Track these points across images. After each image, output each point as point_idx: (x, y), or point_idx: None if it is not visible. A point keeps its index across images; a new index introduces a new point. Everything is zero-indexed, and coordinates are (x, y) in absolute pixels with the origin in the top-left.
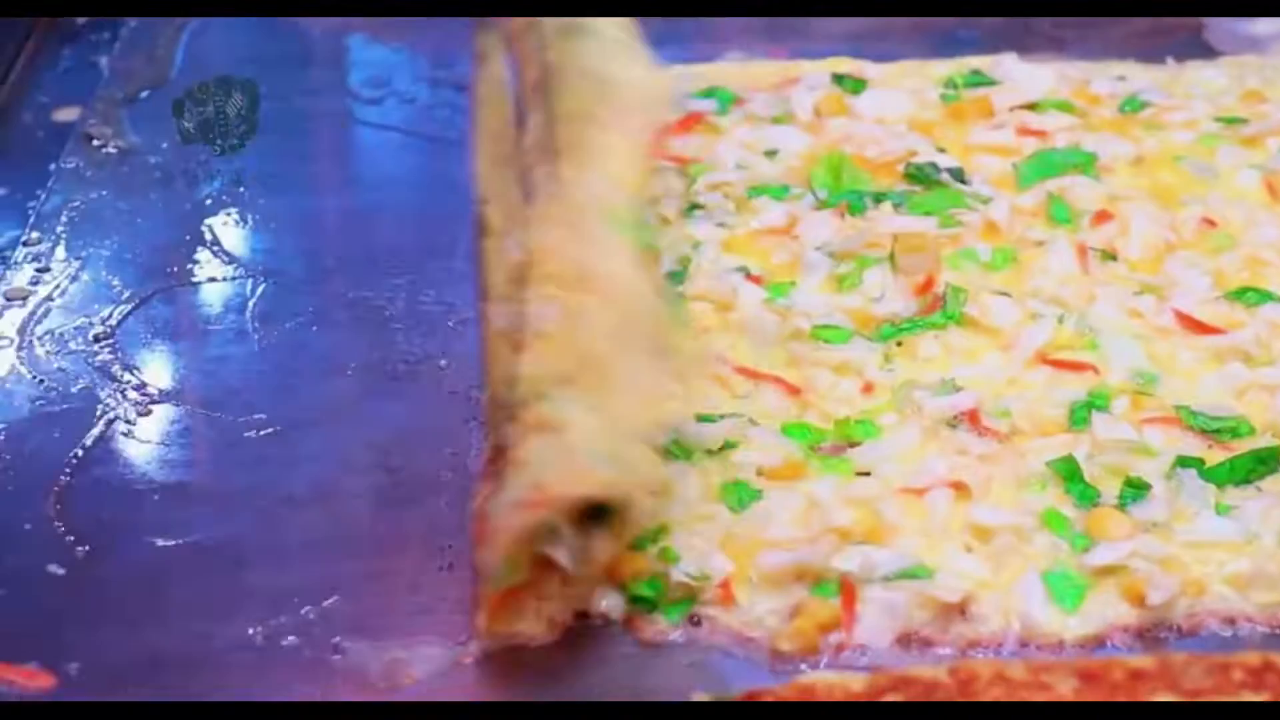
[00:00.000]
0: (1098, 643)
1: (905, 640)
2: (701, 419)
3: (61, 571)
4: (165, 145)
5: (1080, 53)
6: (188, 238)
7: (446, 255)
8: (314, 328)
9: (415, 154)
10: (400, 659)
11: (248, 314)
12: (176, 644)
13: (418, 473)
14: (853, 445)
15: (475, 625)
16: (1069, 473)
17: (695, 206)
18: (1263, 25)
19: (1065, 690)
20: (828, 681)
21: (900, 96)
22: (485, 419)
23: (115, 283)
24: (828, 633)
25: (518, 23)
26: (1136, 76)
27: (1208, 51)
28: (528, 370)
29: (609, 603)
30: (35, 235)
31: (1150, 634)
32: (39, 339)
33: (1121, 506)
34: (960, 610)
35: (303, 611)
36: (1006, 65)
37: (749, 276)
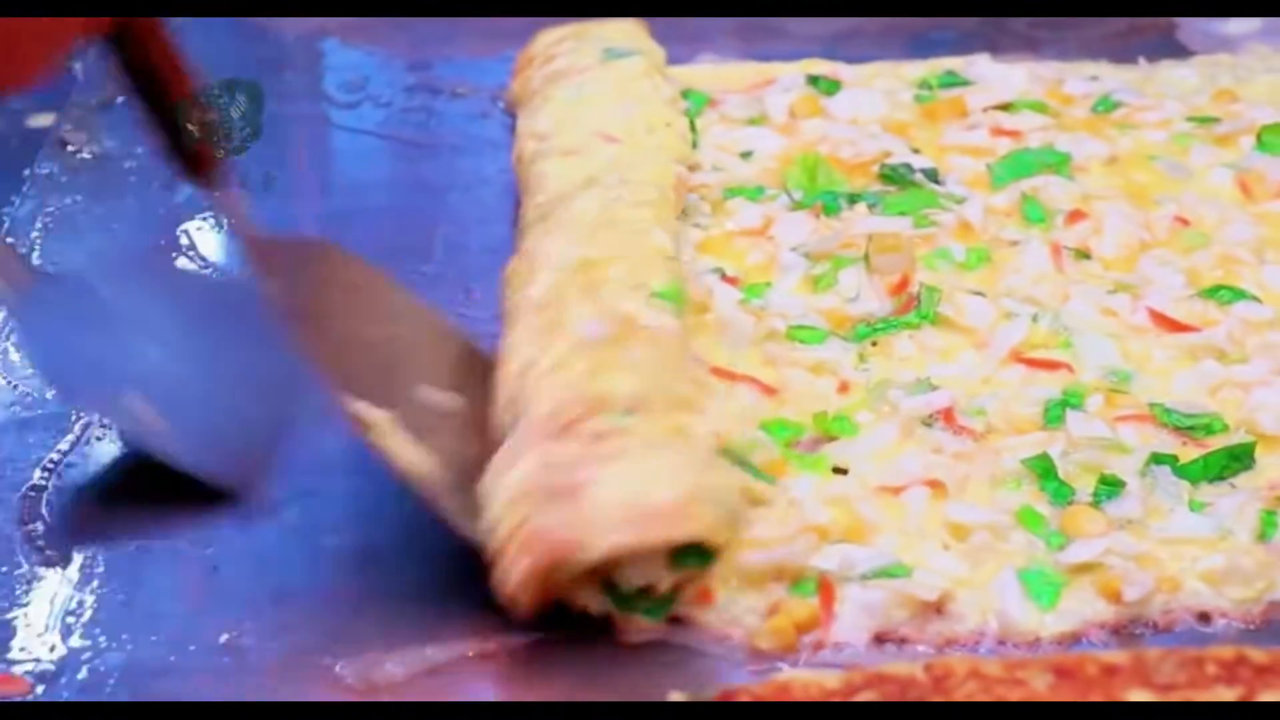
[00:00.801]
0: (1074, 640)
1: (883, 639)
2: None
3: (36, 576)
4: (141, 150)
5: (1054, 53)
6: (163, 243)
7: (422, 258)
8: None
9: (390, 158)
10: (379, 661)
11: None
12: (151, 648)
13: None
14: (830, 440)
15: (518, 608)
16: (1044, 471)
17: None
18: (1235, 25)
19: (1040, 686)
20: (804, 680)
21: (874, 97)
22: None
23: None
24: (805, 631)
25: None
26: (1109, 76)
27: (1180, 51)
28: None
29: (587, 600)
30: (10, 241)
31: (1126, 630)
32: (14, 345)
33: (1096, 504)
34: (938, 608)
35: (280, 615)
36: (980, 66)
37: (725, 278)
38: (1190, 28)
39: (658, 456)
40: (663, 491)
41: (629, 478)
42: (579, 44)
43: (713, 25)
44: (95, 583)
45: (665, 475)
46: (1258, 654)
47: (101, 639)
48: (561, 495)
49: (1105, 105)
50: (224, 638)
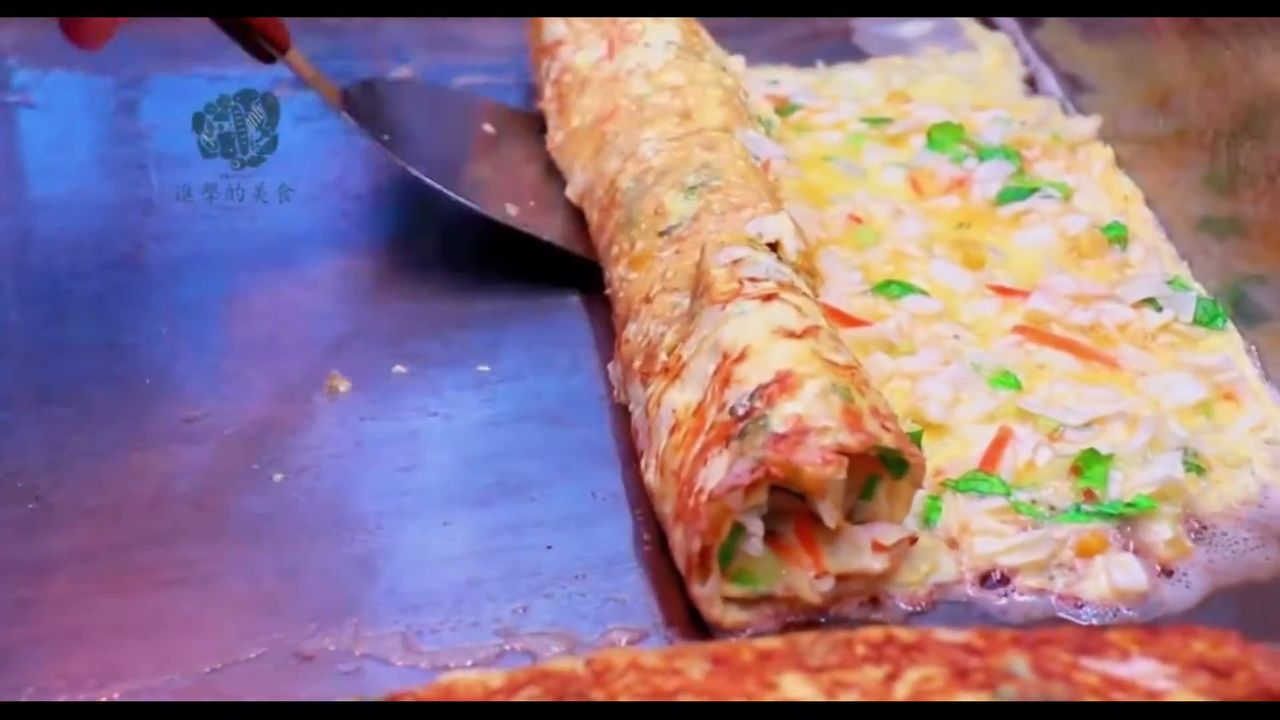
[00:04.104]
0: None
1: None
2: None
3: None
4: None
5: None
6: None
7: (93, 279)
8: None
9: None
10: (42, 684)
11: None
12: None
13: (68, 500)
14: None
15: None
16: None
17: None
18: (909, 28)
19: (697, 675)
20: (467, 680)
21: None
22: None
23: None
24: None
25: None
26: (789, 80)
27: (857, 54)
28: None
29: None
30: None
31: (797, 620)
32: None
33: None
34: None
35: None
36: None
37: None
38: (866, 31)
39: None
40: None
41: None
42: None
43: (405, 36)
44: None
45: None
46: (905, 633)
47: None
48: None
49: (784, 110)
50: None
